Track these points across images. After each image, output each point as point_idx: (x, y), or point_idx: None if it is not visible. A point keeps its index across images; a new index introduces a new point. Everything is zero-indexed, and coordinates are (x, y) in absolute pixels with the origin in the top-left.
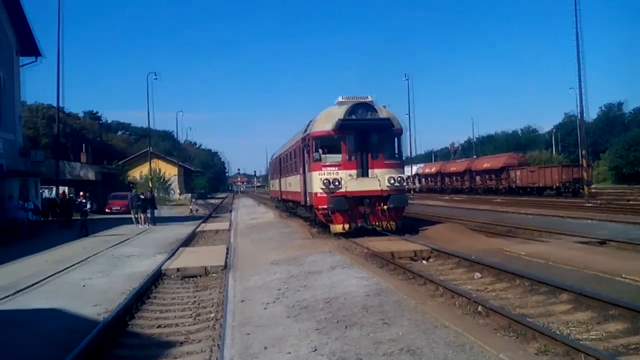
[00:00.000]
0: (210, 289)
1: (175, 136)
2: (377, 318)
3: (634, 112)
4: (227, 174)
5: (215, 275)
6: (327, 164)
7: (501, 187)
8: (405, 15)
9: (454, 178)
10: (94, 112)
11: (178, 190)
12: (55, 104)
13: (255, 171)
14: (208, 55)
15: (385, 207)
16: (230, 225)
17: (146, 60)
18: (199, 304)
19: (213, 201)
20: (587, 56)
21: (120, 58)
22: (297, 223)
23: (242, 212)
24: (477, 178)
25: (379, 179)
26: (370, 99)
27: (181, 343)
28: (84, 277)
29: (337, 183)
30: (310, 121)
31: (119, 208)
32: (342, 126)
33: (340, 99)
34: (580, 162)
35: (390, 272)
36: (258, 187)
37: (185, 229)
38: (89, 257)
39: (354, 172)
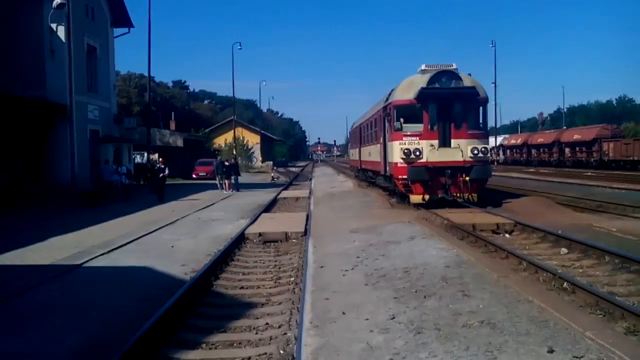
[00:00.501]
0: (291, 254)
1: (258, 105)
2: (457, 289)
3: None
4: (307, 143)
5: (295, 241)
6: (408, 133)
7: (592, 160)
8: None
9: (541, 150)
10: (182, 81)
11: (260, 158)
12: (146, 74)
13: (335, 140)
14: (291, 23)
15: (467, 178)
16: (309, 193)
17: (230, 29)
18: (279, 268)
19: (293, 169)
20: None
21: (206, 28)
22: (376, 193)
23: (322, 180)
24: (566, 150)
25: (462, 150)
26: (454, 66)
27: (262, 304)
28: (172, 238)
29: (417, 153)
30: (392, 90)
31: (204, 174)
32: (424, 95)
33: (423, 66)
34: None
35: (471, 244)
36: (337, 156)
37: (266, 196)
38: (177, 220)
39: (435, 142)
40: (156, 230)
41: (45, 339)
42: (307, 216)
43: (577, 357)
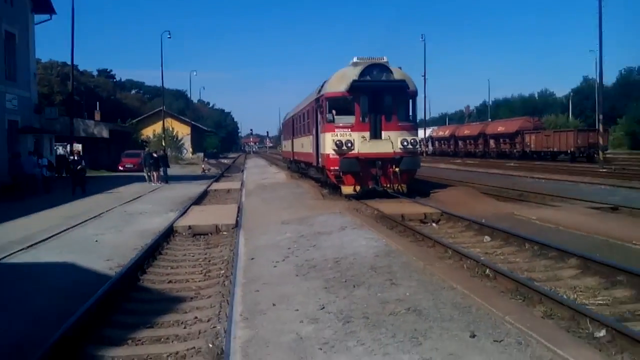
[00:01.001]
0: (221, 247)
1: (189, 95)
2: (385, 278)
3: None
4: (239, 134)
5: (226, 234)
6: (340, 125)
7: (515, 151)
8: None
9: (467, 141)
10: (108, 70)
11: (190, 150)
12: (69, 62)
13: (267, 132)
14: (222, 13)
15: (397, 169)
16: (241, 184)
17: (159, 18)
18: (209, 261)
19: (225, 161)
20: (606, 19)
21: (133, 16)
22: (308, 184)
23: (254, 172)
24: (491, 142)
25: (392, 141)
26: (385, 59)
27: (191, 298)
28: (96, 233)
29: (349, 145)
30: (324, 82)
31: (131, 166)
32: (356, 87)
33: (355, 59)
34: (597, 127)
35: (399, 233)
36: (270, 147)
37: (196, 188)
38: (102, 213)
39: (366, 134)
40: (79, 224)
41: None
42: (239, 208)
43: (497, 341)
